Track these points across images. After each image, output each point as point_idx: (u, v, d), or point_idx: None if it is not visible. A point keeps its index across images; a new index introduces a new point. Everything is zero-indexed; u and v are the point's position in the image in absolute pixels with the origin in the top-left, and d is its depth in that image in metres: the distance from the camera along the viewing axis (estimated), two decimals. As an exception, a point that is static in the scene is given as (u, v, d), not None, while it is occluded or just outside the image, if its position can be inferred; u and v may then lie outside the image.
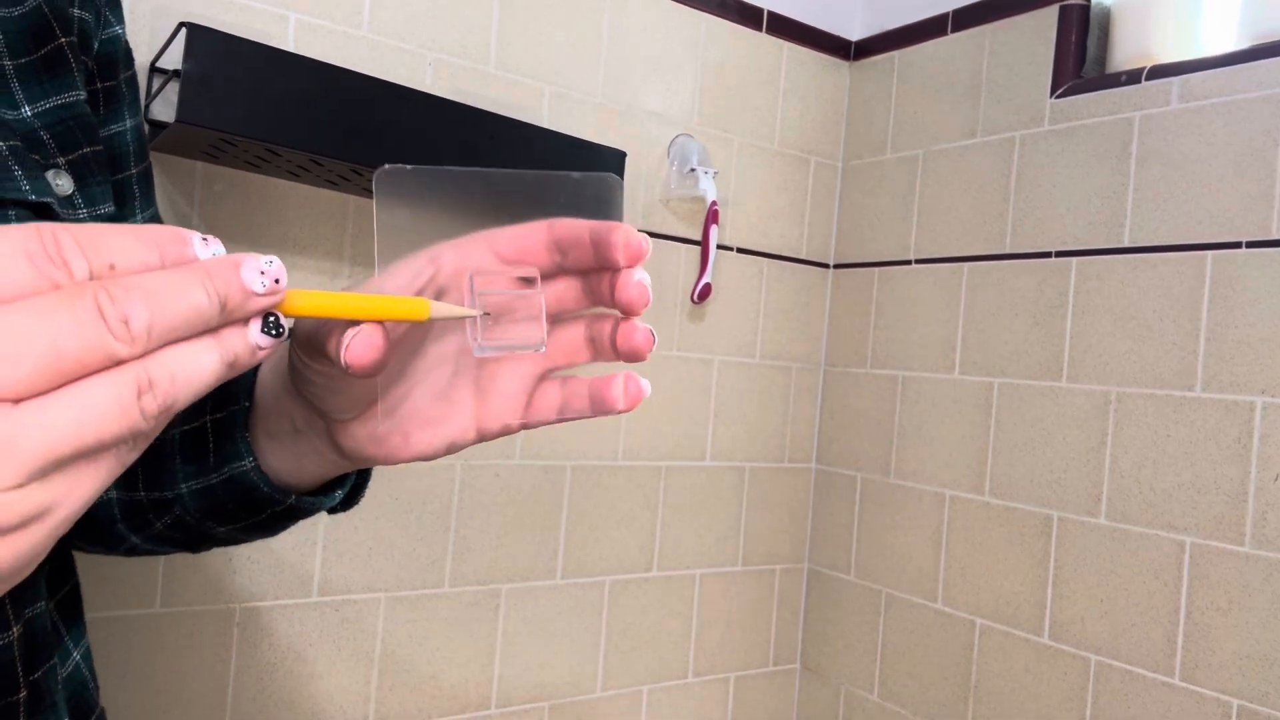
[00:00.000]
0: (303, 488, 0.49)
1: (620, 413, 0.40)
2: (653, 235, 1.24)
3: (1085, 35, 1.14)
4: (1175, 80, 1.03)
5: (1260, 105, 0.96)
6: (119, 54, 0.51)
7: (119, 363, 0.25)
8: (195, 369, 0.27)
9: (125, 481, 0.51)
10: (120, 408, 0.25)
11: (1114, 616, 1.04)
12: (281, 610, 1.00)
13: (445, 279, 0.39)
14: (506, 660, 1.15)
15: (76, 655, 0.49)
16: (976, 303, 1.22)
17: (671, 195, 1.24)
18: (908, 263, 1.32)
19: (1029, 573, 1.13)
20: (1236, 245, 0.97)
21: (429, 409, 0.42)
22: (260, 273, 0.28)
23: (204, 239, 0.27)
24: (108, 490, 0.51)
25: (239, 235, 0.95)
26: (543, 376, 0.42)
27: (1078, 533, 1.08)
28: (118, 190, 0.51)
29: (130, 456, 0.27)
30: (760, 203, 1.35)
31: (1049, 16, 1.16)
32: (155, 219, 0.54)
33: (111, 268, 0.25)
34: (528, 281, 0.39)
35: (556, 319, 0.41)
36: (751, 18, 1.32)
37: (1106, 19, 1.15)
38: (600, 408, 0.40)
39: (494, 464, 1.12)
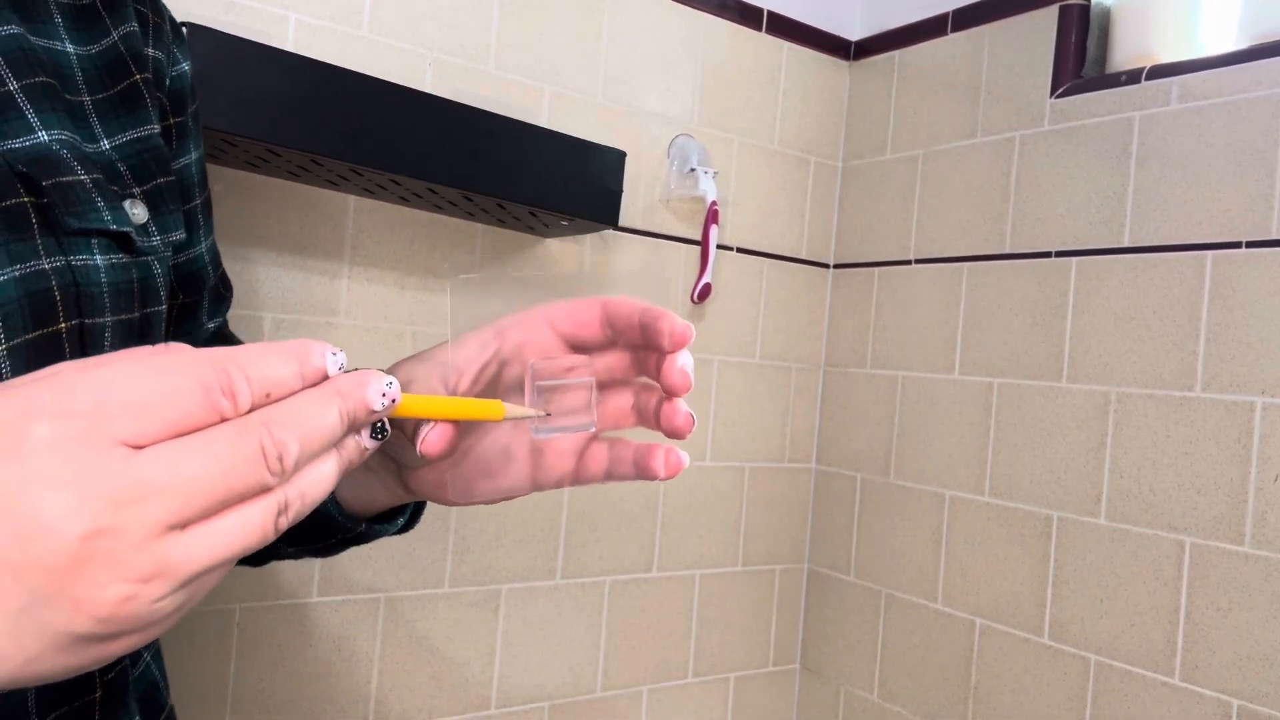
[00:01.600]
0: (368, 514, 0.53)
1: (660, 480, 0.44)
2: (652, 235, 1.24)
3: (1085, 35, 1.14)
4: (1175, 80, 1.03)
5: (1260, 105, 0.96)
6: (187, 89, 0.54)
7: (267, 489, 0.30)
8: (321, 482, 0.32)
9: None
10: (262, 528, 0.29)
11: (1114, 616, 1.04)
12: (281, 610, 1.00)
13: (508, 352, 0.44)
14: (506, 660, 1.15)
15: (147, 656, 0.52)
16: (976, 303, 1.22)
17: (671, 195, 1.24)
18: (908, 263, 1.32)
19: (1029, 573, 1.13)
20: (1236, 245, 0.97)
21: (490, 462, 0.46)
22: (382, 394, 0.32)
23: (334, 353, 0.32)
24: None
25: (239, 236, 0.95)
26: (593, 438, 0.46)
27: (1078, 533, 1.08)
28: (187, 219, 0.54)
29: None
30: (760, 203, 1.35)
31: (1049, 16, 1.16)
32: (214, 247, 0.58)
33: (268, 396, 0.30)
34: (581, 365, 0.43)
35: (606, 386, 0.45)
36: (751, 18, 1.32)
37: (1106, 19, 1.15)
38: (643, 474, 0.44)
39: (494, 464, 1.12)
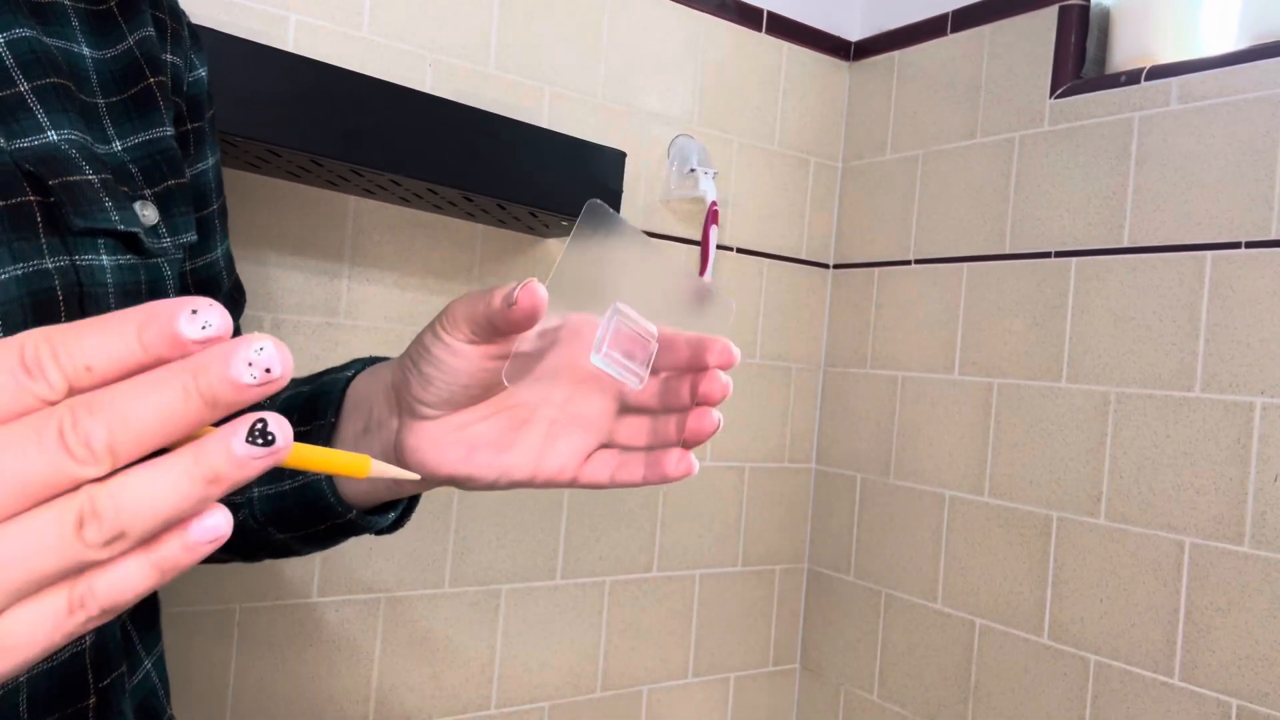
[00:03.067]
0: (361, 503, 0.53)
1: (669, 480, 0.46)
2: (652, 236, 1.24)
3: (1085, 35, 1.14)
4: (1175, 81, 1.03)
5: (1260, 105, 0.96)
6: (204, 95, 0.55)
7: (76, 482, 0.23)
8: (151, 491, 0.24)
9: None
10: (58, 538, 0.23)
11: (1114, 616, 1.04)
12: (282, 610, 1.00)
13: (566, 335, 0.46)
14: (506, 660, 1.15)
15: (148, 663, 0.51)
16: (976, 303, 1.22)
17: (671, 195, 1.24)
18: (907, 263, 1.32)
19: (1029, 573, 1.13)
20: (1236, 245, 0.97)
21: (499, 434, 0.47)
22: (248, 363, 0.24)
23: (194, 311, 0.24)
24: None
25: (239, 237, 0.95)
26: (604, 444, 0.48)
27: (1078, 533, 1.08)
28: (202, 224, 0.54)
29: (88, 621, 0.25)
30: (760, 203, 1.35)
31: (1049, 17, 1.16)
32: (229, 252, 0.59)
33: (89, 369, 0.23)
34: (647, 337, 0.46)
35: (629, 409, 0.48)
36: (751, 18, 1.32)
37: (1106, 19, 1.15)
38: (654, 472, 0.46)
39: (494, 464, 1.12)
